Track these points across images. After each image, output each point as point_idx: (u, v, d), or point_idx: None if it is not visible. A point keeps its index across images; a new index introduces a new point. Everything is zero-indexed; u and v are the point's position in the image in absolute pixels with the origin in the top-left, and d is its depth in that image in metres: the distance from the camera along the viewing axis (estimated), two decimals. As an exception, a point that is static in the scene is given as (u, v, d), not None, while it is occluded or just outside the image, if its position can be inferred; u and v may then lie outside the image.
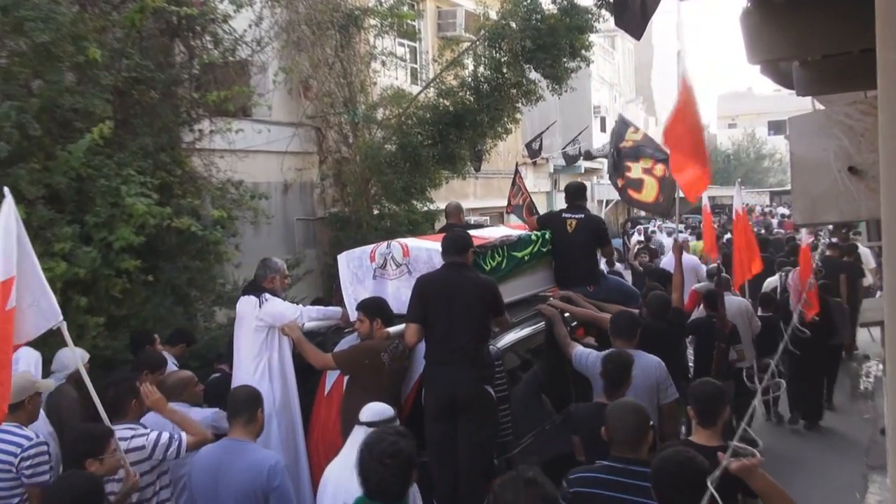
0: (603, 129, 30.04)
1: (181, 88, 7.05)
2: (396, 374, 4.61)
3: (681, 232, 8.93)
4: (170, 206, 6.25)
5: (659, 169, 6.92)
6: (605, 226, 6.61)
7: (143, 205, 5.71)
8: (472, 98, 9.41)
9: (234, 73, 7.73)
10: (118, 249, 5.72)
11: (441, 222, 12.83)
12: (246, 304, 5.09)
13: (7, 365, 3.32)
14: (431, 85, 9.85)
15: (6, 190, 3.44)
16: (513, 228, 6.63)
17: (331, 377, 4.99)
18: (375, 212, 9.72)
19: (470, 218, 14.10)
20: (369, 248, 5.41)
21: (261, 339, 4.97)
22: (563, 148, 19.12)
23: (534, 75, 9.72)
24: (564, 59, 9.52)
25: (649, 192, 7.09)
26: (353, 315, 5.08)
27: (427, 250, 5.15)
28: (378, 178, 9.21)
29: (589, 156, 19.97)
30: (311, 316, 5.19)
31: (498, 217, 16.82)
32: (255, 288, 5.16)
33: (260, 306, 5.02)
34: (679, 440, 3.91)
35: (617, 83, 34.24)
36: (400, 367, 4.64)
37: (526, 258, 5.88)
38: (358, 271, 5.35)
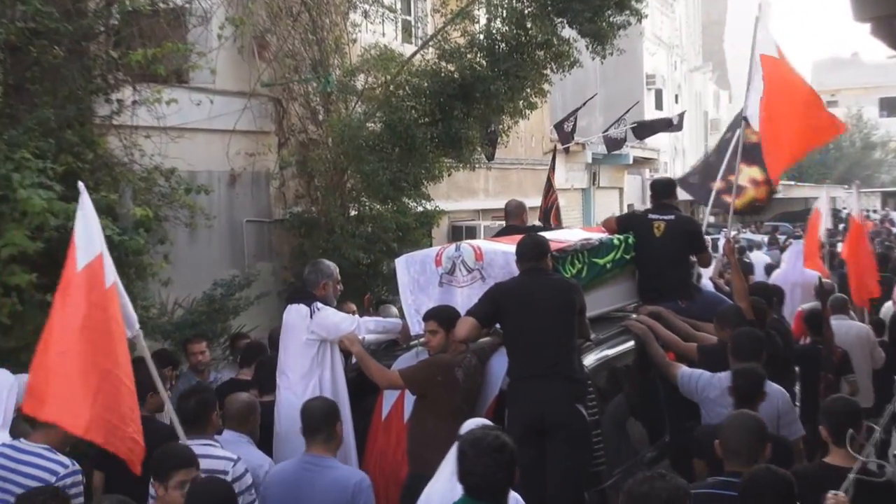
0: (659, 106, 30.20)
1: (95, 45, 7.07)
2: (471, 393, 5.32)
3: (741, 232, 10.20)
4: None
5: (762, 191, 7.89)
6: (699, 228, 7.24)
7: (42, 199, 5.72)
8: (484, 62, 9.44)
9: (167, 25, 7.76)
10: (6, 259, 5.73)
11: (442, 227, 13.04)
12: (295, 313, 5.74)
13: (125, 350, 4.19)
14: (430, 44, 9.89)
15: (81, 185, 4.43)
16: (591, 231, 7.31)
17: (388, 400, 5.68)
18: (353, 212, 9.72)
19: (485, 223, 14.18)
20: (434, 250, 6.12)
21: (311, 354, 5.65)
22: (606, 130, 19.14)
23: (568, 32, 9.74)
24: (609, 12, 9.52)
25: (743, 201, 7.62)
26: (416, 327, 5.82)
27: (504, 254, 5.79)
28: (357, 166, 9.22)
29: (644, 130, 19.39)
30: (368, 328, 5.86)
31: (517, 221, 16.88)
32: (304, 295, 5.83)
33: (311, 317, 5.67)
34: (814, 462, 4.61)
35: (678, 45, 34.41)
36: (474, 385, 5.36)
37: (608, 266, 6.50)
38: (420, 277, 5.98)
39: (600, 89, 24.08)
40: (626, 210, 23.93)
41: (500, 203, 16.15)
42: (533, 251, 5.51)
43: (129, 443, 4.17)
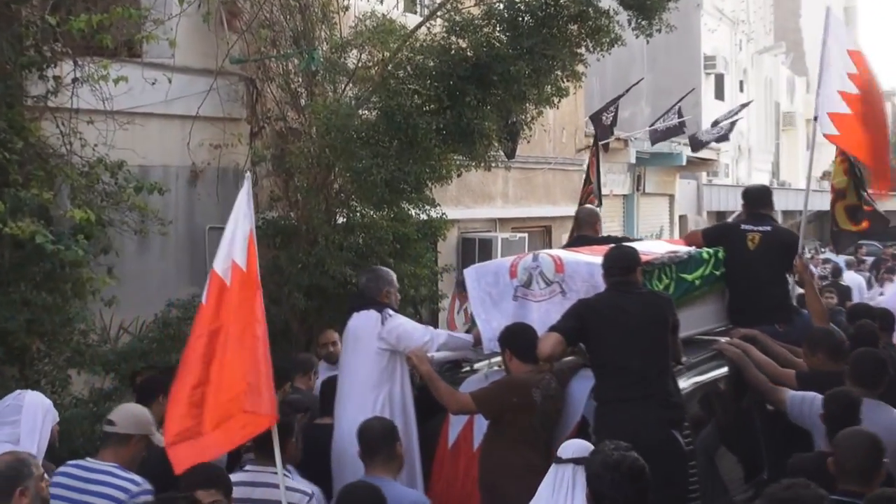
0: (720, 94, 30.27)
1: (27, 8, 7.10)
2: (548, 417, 5.83)
3: (821, 252, 10.79)
4: (2, 200, 6.26)
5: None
6: (798, 241, 7.67)
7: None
8: (504, 37, 9.44)
9: (116, -15, 7.79)
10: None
11: (450, 240, 13.04)
12: (365, 319, 6.43)
13: (266, 353, 4.92)
14: (438, 14, 9.91)
15: (248, 175, 5.31)
16: (674, 243, 7.91)
17: (455, 426, 6.28)
18: (340, 219, 9.73)
19: (503, 235, 14.21)
20: (507, 260, 6.77)
21: (382, 365, 6.33)
22: (653, 123, 19.17)
23: (608, 2, 9.76)
24: (658, -23, 9.58)
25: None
26: (489, 345, 6.43)
27: (588, 265, 6.39)
28: (346, 163, 9.23)
29: (697, 143, 19.93)
30: (441, 342, 6.52)
31: (542, 234, 16.84)
32: (369, 302, 6.49)
33: (383, 323, 6.35)
34: None
35: (744, 20, 34.47)
36: (553, 409, 5.89)
37: (697, 283, 7.04)
38: (493, 290, 6.59)
39: (647, 74, 24.16)
40: (676, 221, 23.93)
41: (521, 210, 16.39)
42: (622, 263, 6.07)
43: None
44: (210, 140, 9.69)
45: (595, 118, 17.61)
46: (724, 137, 19.69)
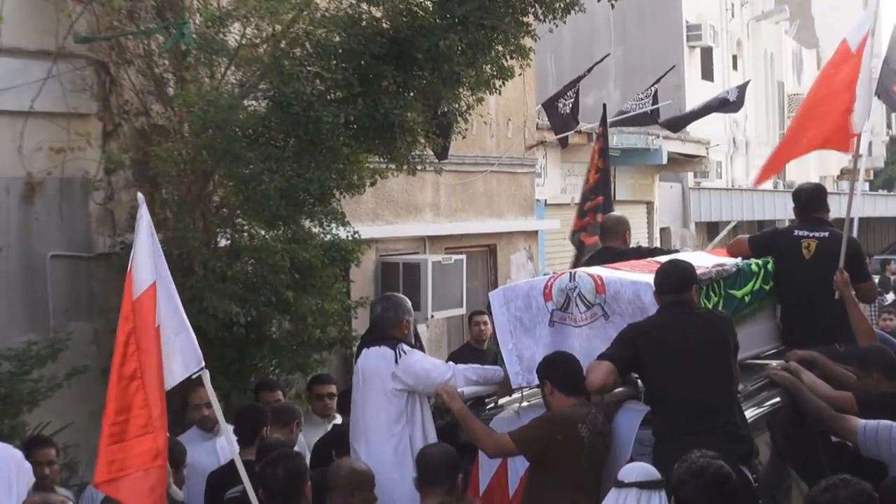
0: (707, 73, 30.56)
1: None
2: (598, 455, 6.66)
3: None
4: None
5: None
6: (861, 249, 8.57)
7: None
8: (430, 4, 9.51)
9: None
10: None
11: (366, 265, 12.96)
12: (375, 358, 7.32)
13: (163, 403, 6.02)
14: (345, -25, 9.94)
15: (140, 197, 6.26)
16: (716, 254, 8.82)
17: (487, 470, 7.16)
18: (223, 241, 9.71)
19: (434, 257, 14.25)
20: (540, 281, 7.59)
21: (399, 408, 7.23)
22: (625, 112, 19.34)
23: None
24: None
25: None
26: (517, 379, 7.37)
27: (633, 284, 7.23)
28: (229, 168, 9.24)
29: (679, 122, 19.88)
30: (467, 378, 7.36)
31: (485, 255, 16.89)
32: (383, 336, 7.40)
33: (397, 361, 7.21)
34: None
35: (736, -20, 34.90)
36: (602, 446, 6.73)
37: (747, 299, 7.90)
38: (524, 315, 7.43)
39: (615, 48, 24.40)
40: (657, 235, 24.15)
41: (457, 226, 16.41)
42: (679, 281, 6.94)
43: None
44: (50, 143, 9.61)
45: (549, 106, 17.74)
46: (727, 104, 19.51)
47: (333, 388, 9.29)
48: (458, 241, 16.04)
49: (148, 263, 6.21)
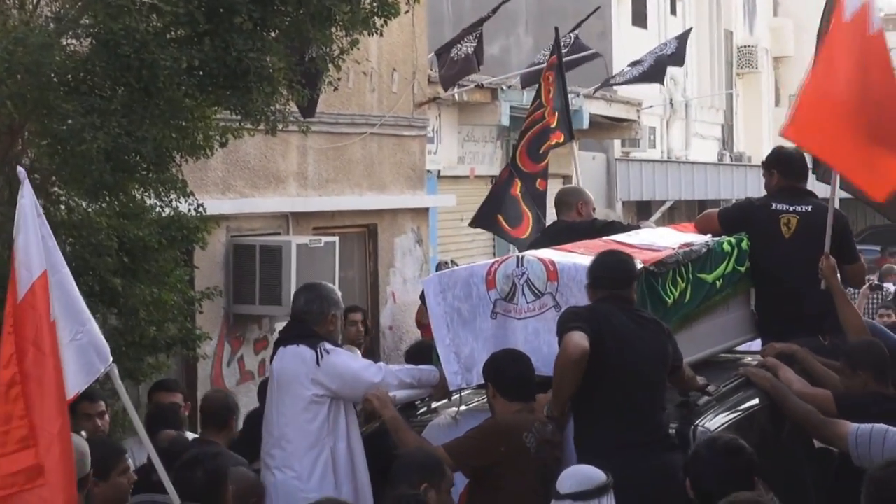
0: (640, 21, 30.84)
1: None
2: (548, 470, 6.83)
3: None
4: None
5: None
6: (847, 225, 8.80)
7: None
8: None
9: None
10: None
11: (214, 247, 12.85)
12: (293, 359, 7.69)
13: (61, 414, 6.23)
14: None
15: (21, 172, 6.60)
16: (682, 230, 9.17)
17: None
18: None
19: (299, 239, 14.25)
20: (482, 266, 7.92)
21: (320, 417, 7.55)
22: (537, 63, 19.50)
23: None
24: None
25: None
26: (456, 379, 7.75)
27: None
28: (42, 123, 9.21)
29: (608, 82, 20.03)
30: (400, 380, 7.77)
31: (362, 236, 16.94)
32: (305, 334, 7.75)
33: (318, 363, 7.55)
34: None
35: None
36: (552, 458, 7.04)
37: (718, 284, 8.23)
38: (463, 306, 7.82)
39: (526, -16, 24.55)
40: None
41: (328, 201, 16.47)
42: (619, 273, 7.33)
43: None
44: None
45: (442, 55, 17.79)
46: (665, 60, 19.71)
47: (179, 398, 9.48)
48: (329, 219, 16.13)
49: (36, 250, 6.43)
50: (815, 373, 7.80)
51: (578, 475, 6.14)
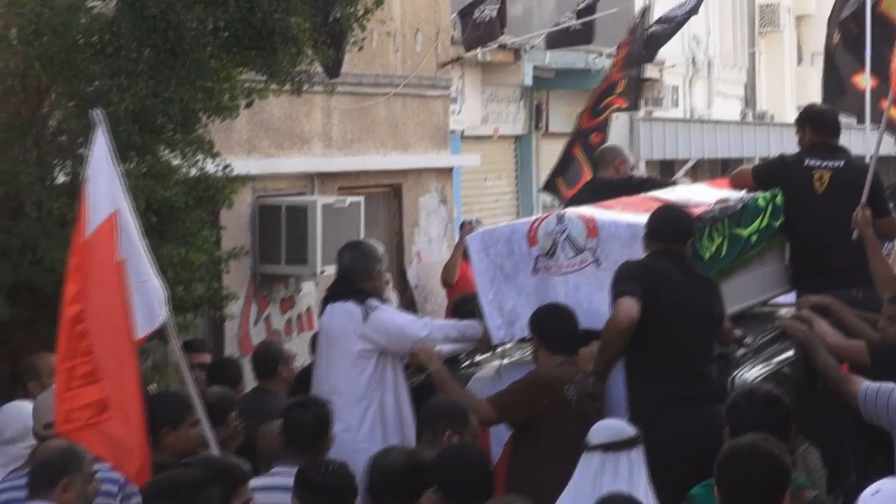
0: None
1: None
2: (588, 421, 6.80)
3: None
4: None
5: None
6: (880, 179, 8.90)
7: None
8: None
9: None
10: None
11: (240, 207, 12.87)
12: (341, 315, 8.05)
13: (128, 353, 6.63)
14: None
15: (98, 114, 7.08)
16: (717, 186, 9.39)
17: None
18: (62, 177, 9.65)
19: (325, 199, 14.26)
20: (524, 223, 8.28)
21: (368, 371, 7.89)
22: (560, 23, 19.45)
23: None
24: None
25: None
26: (499, 332, 8.10)
27: (629, 227, 7.87)
28: (69, 85, 9.22)
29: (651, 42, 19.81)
30: (446, 335, 8.16)
31: (388, 196, 16.93)
32: (351, 290, 8.06)
33: (366, 319, 7.88)
34: None
35: None
36: (592, 410, 7.23)
37: (753, 239, 8.48)
38: (506, 262, 8.13)
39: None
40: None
41: (353, 161, 16.46)
42: (676, 229, 7.62)
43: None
44: None
45: (465, 15, 17.76)
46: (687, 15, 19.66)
47: (207, 358, 9.72)
48: (354, 179, 16.17)
49: (107, 190, 6.73)
50: (850, 325, 7.92)
51: (609, 428, 6.32)
